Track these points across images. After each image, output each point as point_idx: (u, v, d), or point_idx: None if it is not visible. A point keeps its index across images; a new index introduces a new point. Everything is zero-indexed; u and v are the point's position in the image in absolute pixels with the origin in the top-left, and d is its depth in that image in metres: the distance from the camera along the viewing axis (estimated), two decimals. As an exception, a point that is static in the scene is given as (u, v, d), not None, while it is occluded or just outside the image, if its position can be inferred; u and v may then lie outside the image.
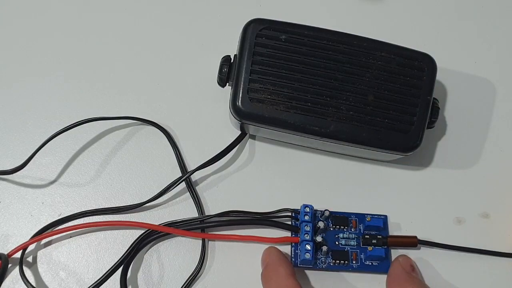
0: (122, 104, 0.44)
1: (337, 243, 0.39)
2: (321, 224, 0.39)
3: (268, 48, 0.39)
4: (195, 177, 0.42)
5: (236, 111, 0.39)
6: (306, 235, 0.38)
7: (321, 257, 0.39)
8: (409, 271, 0.37)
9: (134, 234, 0.39)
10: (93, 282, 0.36)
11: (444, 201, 0.42)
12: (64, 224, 0.40)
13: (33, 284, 0.37)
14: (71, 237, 0.40)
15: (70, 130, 0.41)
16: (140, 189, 0.42)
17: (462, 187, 0.43)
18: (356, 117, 0.39)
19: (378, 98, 0.39)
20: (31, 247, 0.39)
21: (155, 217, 0.41)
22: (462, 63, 0.47)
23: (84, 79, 0.45)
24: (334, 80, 0.39)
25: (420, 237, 0.40)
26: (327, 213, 0.40)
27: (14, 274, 0.38)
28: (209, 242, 0.40)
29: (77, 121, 0.42)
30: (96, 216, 0.40)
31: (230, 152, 0.42)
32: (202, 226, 0.39)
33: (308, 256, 0.38)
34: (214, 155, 0.41)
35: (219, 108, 0.44)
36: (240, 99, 0.39)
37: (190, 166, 0.42)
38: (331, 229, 0.40)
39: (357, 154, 0.42)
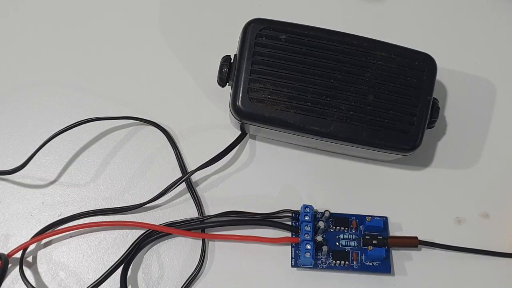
0: (122, 104, 0.44)
1: (337, 243, 0.39)
2: (321, 224, 0.39)
3: (268, 48, 0.39)
4: (195, 177, 0.42)
5: (236, 111, 0.39)
6: (307, 235, 0.38)
7: (322, 258, 0.39)
8: None
9: (134, 234, 0.39)
10: (93, 281, 0.36)
11: (444, 201, 0.42)
12: (64, 224, 0.40)
13: (33, 284, 0.37)
14: (71, 237, 0.40)
15: (70, 130, 0.41)
16: (140, 189, 0.42)
17: (462, 187, 0.43)
18: (356, 117, 0.39)
19: (378, 98, 0.39)
20: (31, 247, 0.39)
21: (156, 217, 0.41)
22: (462, 63, 0.47)
23: (84, 79, 0.45)
24: (334, 80, 0.39)
25: (420, 237, 0.40)
26: (327, 214, 0.40)
27: (14, 274, 0.38)
28: (209, 242, 0.40)
29: (77, 121, 0.42)
30: (96, 216, 0.40)
31: (230, 152, 0.42)
32: (202, 226, 0.39)
33: (308, 255, 0.38)
34: (214, 155, 0.41)
35: (219, 108, 0.44)
36: (240, 99, 0.39)
37: (190, 166, 0.42)
38: (332, 230, 0.40)
39: (357, 154, 0.42)
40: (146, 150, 0.43)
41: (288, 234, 0.40)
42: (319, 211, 0.40)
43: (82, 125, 0.42)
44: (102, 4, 0.48)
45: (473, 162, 0.44)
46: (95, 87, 0.45)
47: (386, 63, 0.39)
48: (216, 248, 0.40)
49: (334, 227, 0.40)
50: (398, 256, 0.40)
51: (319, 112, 0.38)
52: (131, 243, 0.38)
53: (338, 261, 0.39)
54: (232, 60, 0.40)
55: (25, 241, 0.38)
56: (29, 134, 0.43)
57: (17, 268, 0.38)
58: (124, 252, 0.38)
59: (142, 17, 0.48)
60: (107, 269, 0.37)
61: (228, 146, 0.42)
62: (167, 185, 0.40)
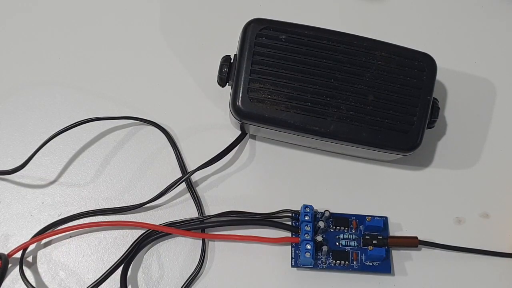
0: (122, 104, 0.44)
1: (337, 243, 0.39)
2: (321, 224, 0.39)
3: (268, 48, 0.39)
4: (195, 177, 0.42)
5: (236, 111, 0.39)
6: (307, 235, 0.38)
7: (322, 258, 0.39)
8: None
9: (134, 234, 0.39)
10: (93, 281, 0.36)
11: (444, 201, 0.42)
12: (64, 224, 0.40)
13: (33, 284, 0.37)
14: (71, 237, 0.40)
15: (70, 130, 0.41)
16: (140, 189, 0.42)
17: (462, 187, 0.43)
18: (356, 117, 0.39)
19: (378, 98, 0.39)
20: (31, 247, 0.39)
21: (155, 217, 0.41)
22: (462, 63, 0.47)
23: (84, 79, 0.45)
24: (334, 80, 0.39)
25: (420, 237, 0.40)
26: (327, 214, 0.40)
27: (14, 274, 0.38)
28: (209, 242, 0.40)
29: (77, 121, 0.42)
30: (96, 216, 0.40)
31: (230, 152, 0.42)
32: (202, 226, 0.39)
33: (308, 255, 0.38)
34: (214, 155, 0.41)
35: (219, 108, 0.44)
36: (240, 99, 0.39)
37: (190, 166, 0.42)
38: (332, 230, 0.40)
39: (357, 154, 0.42)
40: (146, 150, 0.43)
41: (288, 234, 0.40)
42: (319, 211, 0.40)
43: (82, 125, 0.42)
44: (102, 4, 0.48)
45: (473, 162, 0.44)
46: (95, 87, 0.45)
47: (386, 63, 0.39)
48: (216, 248, 0.40)
49: (334, 227, 0.40)
50: (398, 256, 0.40)
51: (319, 112, 0.38)
52: (131, 243, 0.38)
53: (338, 261, 0.39)
54: (232, 60, 0.40)
55: (25, 241, 0.38)
56: (29, 134, 0.43)
57: (17, 268, 0.38)
58: (124, 252, 0.38)
59: (142, 17, 0.48)
60: (107, 269, 0.37)
61: (228, 146, 0.42)
62: (167, 185, 0.40)
